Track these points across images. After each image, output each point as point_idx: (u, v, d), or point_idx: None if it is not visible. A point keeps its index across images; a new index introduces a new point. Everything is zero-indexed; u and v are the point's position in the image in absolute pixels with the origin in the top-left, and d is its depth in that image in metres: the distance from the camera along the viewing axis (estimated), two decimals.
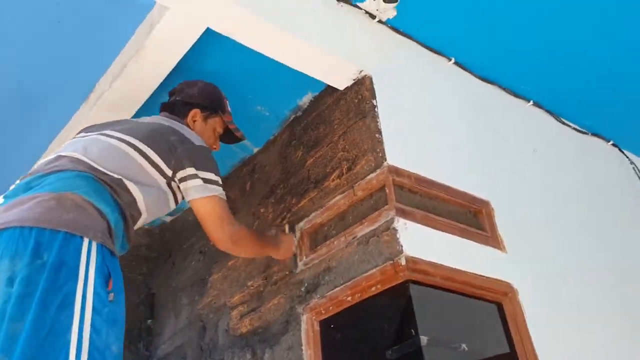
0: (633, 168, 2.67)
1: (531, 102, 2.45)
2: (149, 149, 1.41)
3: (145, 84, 1.80)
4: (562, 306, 1.81)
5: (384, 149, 1.67)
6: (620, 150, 2.73)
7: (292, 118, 2.25)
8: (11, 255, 1.04)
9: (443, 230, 1.65)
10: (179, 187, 1.49)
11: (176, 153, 1.44)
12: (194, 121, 1.73)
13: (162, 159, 1.42)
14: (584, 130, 2.64)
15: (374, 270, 1.54)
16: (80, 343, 1.00)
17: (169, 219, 3.00)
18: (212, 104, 1.78)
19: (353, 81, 1.89)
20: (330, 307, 1.68)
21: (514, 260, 1.77)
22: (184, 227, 2.86)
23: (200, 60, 1.91)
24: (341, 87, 1.93)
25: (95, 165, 1.31)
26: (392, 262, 1.49)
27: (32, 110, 2.05)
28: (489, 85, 2.33)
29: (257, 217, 2.25)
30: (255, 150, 2.46)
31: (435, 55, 2.15)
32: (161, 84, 1.87)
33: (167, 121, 1.60)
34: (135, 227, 1.41)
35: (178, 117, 1.69)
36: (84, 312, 1.03)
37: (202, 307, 2.35)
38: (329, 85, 1.97)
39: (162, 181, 1.44)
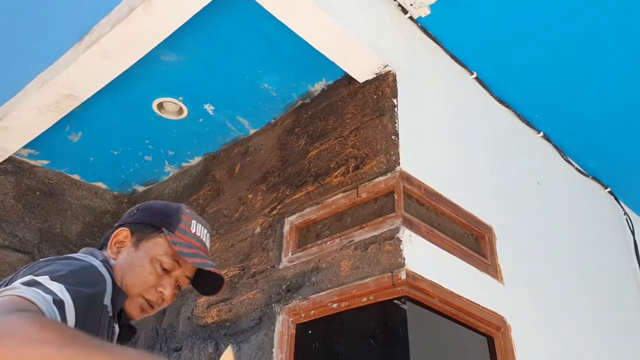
0: (626, 219, 2.65)
1: (541, 134, 2.39)
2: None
3: (150, 34, 1.62)
4: (556, 348, 1.73)
5: (398, 153, 1.55)
6: (616, 199, 2.71)
7: (299, 104, 2.10)
8: None
9: (445, 250, 1.54)
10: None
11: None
12: (119, 244, 0.99)
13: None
14: (585, 172, 2.61)
15: (369, 280, 1.41)
16: None
17: (141, 188, 2.79)
18: (152, 217, 1.02)
19: (375, 75, 1.76)
20: (312, 312, 1.54)
21: (511, 293, 1.68)
22: (157, 199, 2.66)
23: (215, 20, 1.74)
24: (360, 80, 1.79)
25: None
26: (390, 274, 1.36)
27: (24, 40, 1.83)
28: (504, 108, 2.25)
29: (243, 202, 2.09)
30: (252, 131, 2.29)
31: (459, 67, 2.05)
32: (167, 39, 1.69)
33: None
34: None
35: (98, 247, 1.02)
36: None
37: None
38: (346, 75, 1.84)
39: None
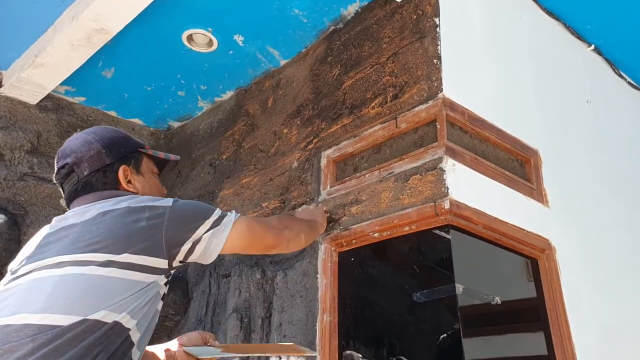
0: None
1: (592, 47, 2.22)
2: (127, 254, 0.97)
3: None
4: (600, 272, 1.73)
5: (441, 78, 1.47)
6: None
7: (331, 29, 2.00)
8: None
9: (489, 177, 1.50)
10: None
11: (158, 237, 1.01)
12: (129, 182, 1.19)
13: (150, 254, 0.99)
14: (638, 86, 2.43)
15: (411, 210, 1.42)
16: None
17: (176, 124, 2.82)
18: (127, 146, 1.23)
19: None
20: (354, 241, 1.58)
21: (556, 217, 1.66)
22: (193, 135, 2.69)
23: None
24: None
25: (49, 321, 0.87)
26: (433, 203, 1.36)
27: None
28: (552, 20, 2.07)
29: (279, 137, 2.09)
30: (283, 62, 2.22)
31: None
32: None
33: (107, 204, 1.07)
34: None
35: (106, 189, 1.15)
36: None
37: None
38: None
39: (162, 280, 1.04)
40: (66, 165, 1.16)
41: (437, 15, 1.54)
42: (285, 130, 2.06)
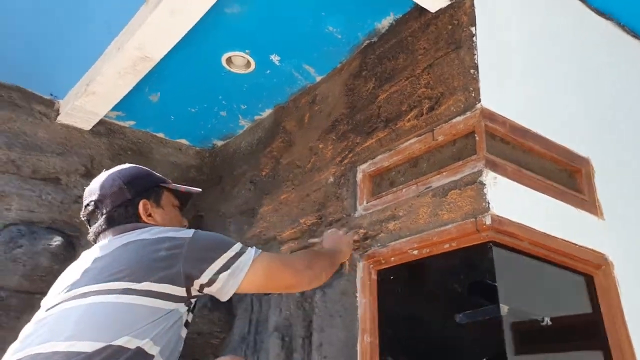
0: None
1: None
2: (148, 282, 1.01)
3: None
4: None
5: (478, 88, 1.42)
6: None
7: (365, 44, 1.99)
8: None
9: (535, 189, 1.42)
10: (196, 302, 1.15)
11: (177, 267, 1.04)
12: (149, 215, 1.26)
13: (169, 282, 1.03)
14: None
15: (450, 226, 1.36)
16: None
17: (220, 143, 2.90)
18: (148, 182, 1.32)
19: (449, 2, 1.59)
20: (392, 258, 1.54)
21: (612, 229, 1.54)
22: (235, 153, 2.76)
23: None
24: (433, 9, 1.63)
25: (76, 348, 0.92)
26: (474, 219, 1.30)
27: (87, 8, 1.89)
28: (601, 19, 1.95)
29: (315, 153, 2.09)
30: (318, 78, 2.24)
31: None
32: None
33: (130, 236, 1.13)
34: None
35: (128, 222, 1.22)
36: None
37: (251, 237, 2.28)
38: (417, 6, 1.68)
39: (183, 308, 1.08)
40: (91, 203, 1.25)
41: (474, 25, 1.50)
42: (320, 146, 2.06)
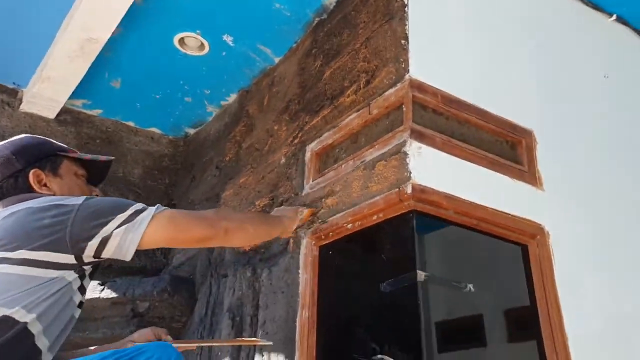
0: None
1: (613, 17, 2.02)
2: (23, 250, 0.99)
3: None
4: (599, 259, 1.55)
5: (408, 59, 1.40)
6: None
7: (316, 22, 1.97)
8: None
9: (468, 160, 1.40)
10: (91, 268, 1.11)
11: (61, 234, 1.01)
12: (44, 185, 1.19)
13: (50, 250, 1.00)
14: None
15: (378, 197, 1.35)
16: None
17: (192, 131, 2.90)
18: (41, 151, 1.23)
19: None
20: (331, 233, 1.53)
21: (552, 200, 1.51)
22: (205, 140, 2.76)
23: None
24: None
25: None
26: (397, 189, 1.28)
27: None
28: None
29: (271, 134, 2.08)
30: (277, 60, 2.23)
31: None
32: None
33: (18, 206, 1.08)
34: None
35: (18, 194, 1.16)
36: None
37: None
38: None
39: (71, 276, 1.05)
40: None
41: None
42: (276, 127, 2.05)
